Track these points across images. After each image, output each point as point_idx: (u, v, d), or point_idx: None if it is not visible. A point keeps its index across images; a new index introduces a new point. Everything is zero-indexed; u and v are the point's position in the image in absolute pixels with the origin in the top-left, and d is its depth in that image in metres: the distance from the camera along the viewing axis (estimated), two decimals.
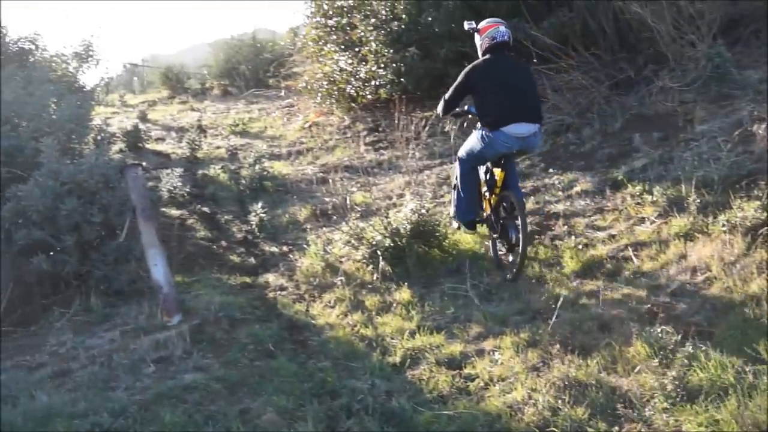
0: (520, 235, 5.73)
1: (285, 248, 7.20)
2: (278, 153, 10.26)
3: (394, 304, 5.63)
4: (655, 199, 6.11)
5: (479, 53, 6.38)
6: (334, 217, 7.01)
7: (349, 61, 11.16)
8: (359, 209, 7.03)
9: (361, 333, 5.29)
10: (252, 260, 7.00)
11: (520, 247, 5.73)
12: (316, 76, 11.98)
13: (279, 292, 6.21)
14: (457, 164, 6.58)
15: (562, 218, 6.50)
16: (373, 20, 10.42)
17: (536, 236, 6.32)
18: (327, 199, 7.68)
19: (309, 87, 12.19)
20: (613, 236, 5.95)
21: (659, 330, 4.23)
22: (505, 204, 6.13)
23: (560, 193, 7.08)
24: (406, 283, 5.88)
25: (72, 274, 5.74)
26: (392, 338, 5.12)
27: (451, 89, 6.39)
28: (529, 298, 5.32)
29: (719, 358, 3.87)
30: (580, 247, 5.89)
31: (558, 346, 4.50)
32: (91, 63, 8.96)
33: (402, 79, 10.33)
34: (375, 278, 6.11)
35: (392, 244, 6.16)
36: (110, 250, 5.87)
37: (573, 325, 4.72)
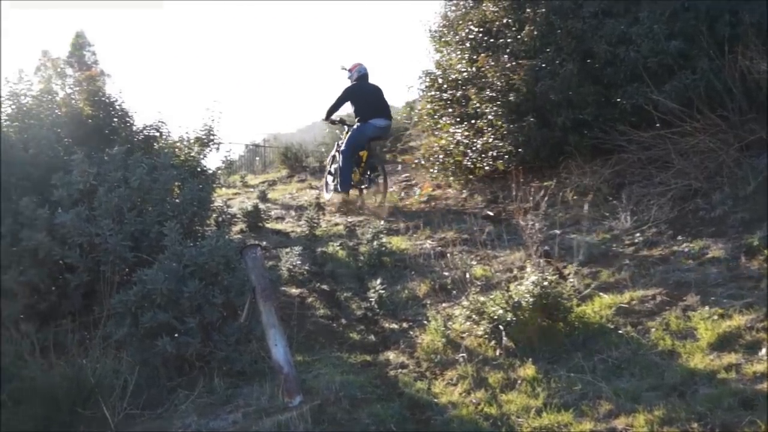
0: (383, 179, 11.75)
1: (405, 325, 7.09)
2: (396, 228, 10.24)
3: (519, 381, 5.42)
4: None
5: (351, 82, 12.24)
6: (454, 292, 6.88)
7: (465, 133, 11.17)
8: (479, 283, 6.86)
9: (485, 411, 5.09)
10: (372, 338, 6.93)
11: (384, 187, 11.67)
12: (433, 149, 12.05)
13: (400, 370, 6.09)
14: (340, 155, 12.04)
15: (693, 288, 6.18)
16: (488, 92, 10.42)
17: (666, 307, 6.03)
18: (446, 274, 7.55)
19: (425, 161, 12.26)
20: (751, 305, 5.59)
21: None
22: (369, 168, 11.93)
23: (690, 261, 6.75)
24: (530, 359, 5.66)
25: (195, 355, 5.81)
26: (518, 417, 4.90)
27: (335, 100, 12.12)
28: (663, 373, 5.03)
29: None
30: (715, 317, 5.57)
31: (696, 424, 4.22)
32: (213, 147, 9.23)
33: (519, 150, 10.23)
34: (498, 354, 5.92)
35: (514, 319, 5.97)
36: (232, 331, 5.92)
37: (712, 401, 4.43)
